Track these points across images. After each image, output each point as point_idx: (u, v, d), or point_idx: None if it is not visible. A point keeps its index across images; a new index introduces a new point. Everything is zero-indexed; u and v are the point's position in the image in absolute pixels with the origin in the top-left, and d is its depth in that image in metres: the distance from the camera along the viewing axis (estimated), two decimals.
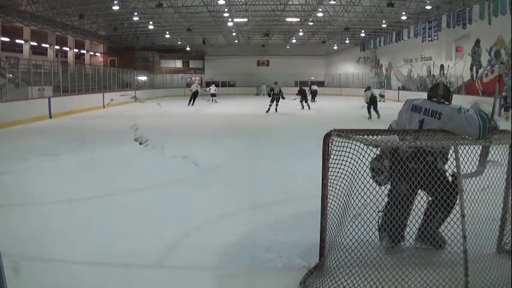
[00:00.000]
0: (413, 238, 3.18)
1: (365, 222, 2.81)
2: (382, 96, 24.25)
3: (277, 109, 17.65)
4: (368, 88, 16.20)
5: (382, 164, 2.98)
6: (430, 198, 3.10)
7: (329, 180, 2.83)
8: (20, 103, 14.43)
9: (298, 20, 27.53)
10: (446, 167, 3.03)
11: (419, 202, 3.17)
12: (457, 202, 2.79)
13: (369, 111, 15.05)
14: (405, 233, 3.15)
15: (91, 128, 12.89)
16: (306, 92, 19.60)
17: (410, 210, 3.15)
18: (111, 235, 3.81)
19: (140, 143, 9.15)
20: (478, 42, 21.16)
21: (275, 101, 17.71)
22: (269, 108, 17.72)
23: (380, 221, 3.14)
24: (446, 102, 3.12)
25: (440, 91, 3.14)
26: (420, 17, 24.51)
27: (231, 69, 38.91)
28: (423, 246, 3.19)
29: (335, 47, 37.97)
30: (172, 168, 6.69)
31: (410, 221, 3.11)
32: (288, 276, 2.95)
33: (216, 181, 5.99)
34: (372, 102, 15.14)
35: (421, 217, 3.15)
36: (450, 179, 3.00)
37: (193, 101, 22.86)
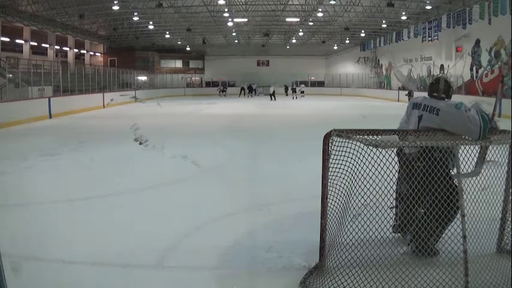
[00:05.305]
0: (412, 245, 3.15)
1: (365, 222, 2.80)
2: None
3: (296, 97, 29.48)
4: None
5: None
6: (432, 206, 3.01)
7: (329, 180, 2.83)
8: (20, 103, 14.44)
9: (298, 20, 27.52)
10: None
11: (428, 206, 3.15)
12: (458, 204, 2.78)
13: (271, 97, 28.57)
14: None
15: (91, 128, 12.89)
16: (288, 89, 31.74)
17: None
18: (111, 235, 3.81)
19: (140, 143, 9.17)
20: (478, 42, 21.15)
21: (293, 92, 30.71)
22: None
23: (402, 221, 3.12)
24: (446, 98, 3.18)
25: (441, 85, 3.20)
26: (420, 17, 24.51)
27: (231, 69, 38.92)
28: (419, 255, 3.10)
29: (335, 47, 37.94)
30: (172, 168, 6.69)
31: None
32: (288, 276, 2.95)
33: (216, 181, 5.99)
34: (273, 93, 28.89)
35: (421, 226, 3.01)
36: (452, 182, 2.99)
37: (250, 94, 34.23)
